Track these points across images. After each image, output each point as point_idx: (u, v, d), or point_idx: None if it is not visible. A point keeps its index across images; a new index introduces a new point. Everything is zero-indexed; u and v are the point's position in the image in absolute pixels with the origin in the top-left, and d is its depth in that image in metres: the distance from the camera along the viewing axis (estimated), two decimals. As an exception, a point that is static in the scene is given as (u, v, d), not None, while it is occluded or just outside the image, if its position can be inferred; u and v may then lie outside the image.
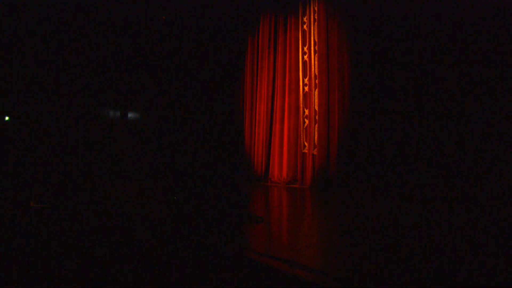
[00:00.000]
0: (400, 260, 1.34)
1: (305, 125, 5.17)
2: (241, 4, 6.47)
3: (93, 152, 5.62)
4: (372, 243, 1.64)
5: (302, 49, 5.35)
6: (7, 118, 4.91)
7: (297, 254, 1.41)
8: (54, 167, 5.05)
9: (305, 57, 5.29)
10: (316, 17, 5.18)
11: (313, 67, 5.12)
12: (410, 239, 1.73)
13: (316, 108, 4.98)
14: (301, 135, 5.19)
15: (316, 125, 4.94)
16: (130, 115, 6.42)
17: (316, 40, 5.10)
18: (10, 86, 4.92)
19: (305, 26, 5.38)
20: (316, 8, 5.20)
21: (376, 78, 4.21)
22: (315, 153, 4.88)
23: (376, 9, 4.27)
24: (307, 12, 5.35)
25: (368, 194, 3.82)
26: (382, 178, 4.01)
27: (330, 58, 4.84)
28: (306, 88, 5.22)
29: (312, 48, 5.17)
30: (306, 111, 5.18)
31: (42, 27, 5.23)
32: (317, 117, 4.95)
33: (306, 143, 5.11)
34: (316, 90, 5.01)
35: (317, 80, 5.02)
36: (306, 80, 5.24)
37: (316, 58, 5.06)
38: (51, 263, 1.44)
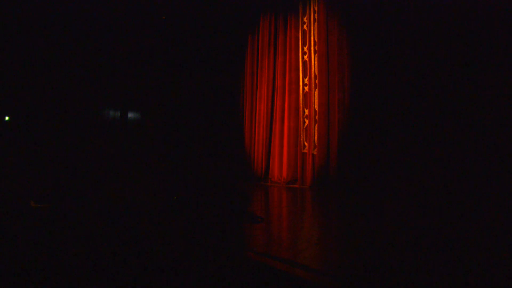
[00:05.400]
0: (400, 260, 1.34)
1: (305, 125, 5.17)
2: (241, 4, 6.46)
3: (93, 152, 5.62)
4: (372, 243, 1.63)
5: (302, 49, 5.35)
6: (7, 118, 4.90)
7: (297, 254, 1.41)
8: (54, 167, 5.05)
9: (305, 57, 5.29)
10: (316, 17, 5.17)
11: (313, 67, 5.12)
12: (410, 239, 1.72)
13: (316, 108, 4.98)
14: (301, 135, 5.19)
15: (316, 125, 4.94)
16: (130, 115, 6.42)
17: (316, 40, 5.09)
18: (10, 86, 4.91)
19: (305, 26, 5.38)
20: (316, 8, 5.20)
21: (376, 78, 4.21)
22: (315, 153, 4.88)
23: (376, 9, 4.26)
24: (307, 12, 5.35)
25: (368, 194, 3.82)
26: (382, 178, 4.01)
27: (330, 58, 4.83)
28: (306, 88, 5.22)
29: (312, 48, 5.16)
30: (306, 111, 5.18)
31: (42, 27, 5.23)
32: (317, 117, 4.95)
33: (306, 143, 5.11)
34: (316, 90, 5.01)
35: (317, 80, 5.01)
36: (306, 80, 5.24)
37: (316, 58, 5.05)
38: (51, 263, 1.44)
